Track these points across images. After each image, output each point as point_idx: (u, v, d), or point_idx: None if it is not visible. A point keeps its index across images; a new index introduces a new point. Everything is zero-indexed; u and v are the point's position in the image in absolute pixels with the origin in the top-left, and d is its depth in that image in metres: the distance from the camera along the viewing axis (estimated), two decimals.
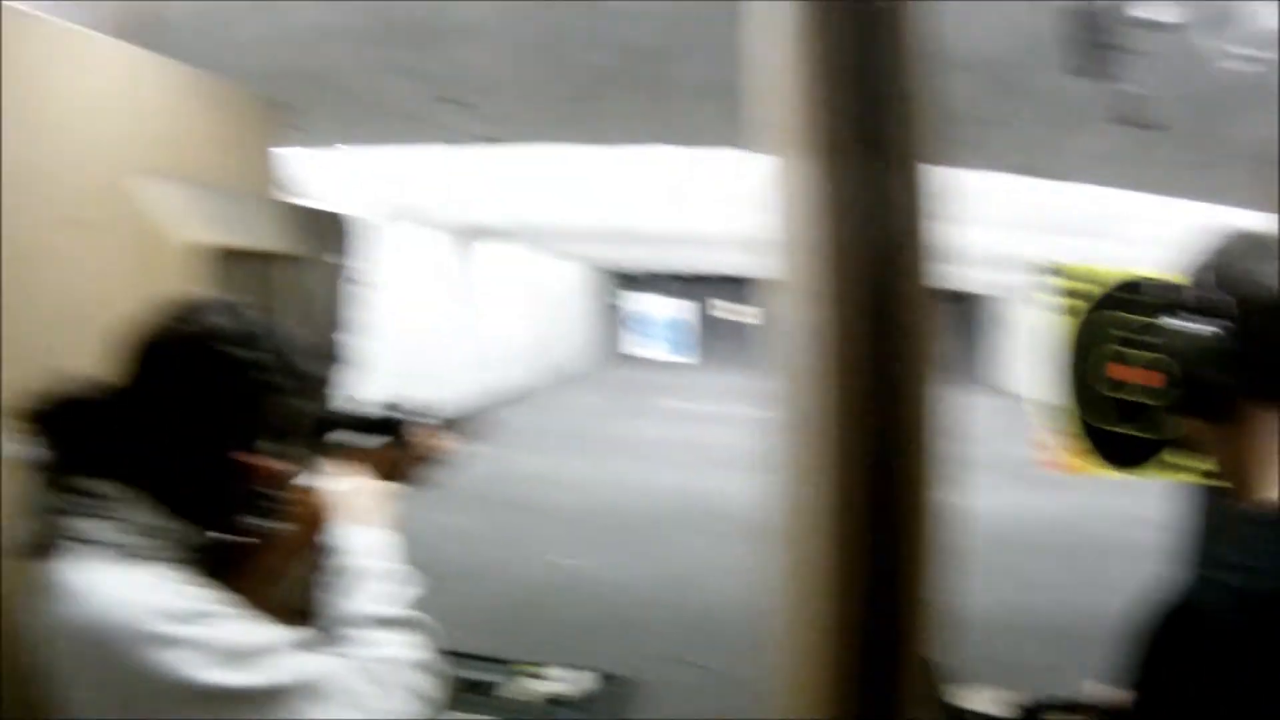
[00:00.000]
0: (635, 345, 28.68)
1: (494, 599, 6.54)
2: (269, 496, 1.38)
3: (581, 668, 2.68)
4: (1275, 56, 2.36)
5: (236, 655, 1.16)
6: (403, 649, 1.35)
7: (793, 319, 1.77)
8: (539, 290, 21.60)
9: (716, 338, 27.97)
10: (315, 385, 1.51)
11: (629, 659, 5.13)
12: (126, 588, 1.19)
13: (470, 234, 16.40)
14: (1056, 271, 4.09)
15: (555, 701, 2.51)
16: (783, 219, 1.90)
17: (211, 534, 1.39)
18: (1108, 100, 3.94)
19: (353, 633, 1.35)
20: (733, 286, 26.24)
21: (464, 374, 15.47)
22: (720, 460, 12.34)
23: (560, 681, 2.58)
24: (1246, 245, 1.20)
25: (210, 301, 1.43)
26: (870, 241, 0.99)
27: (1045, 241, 8.91)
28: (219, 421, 1.34)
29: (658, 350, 28.36)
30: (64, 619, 1.18)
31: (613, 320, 29.16)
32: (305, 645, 1.26)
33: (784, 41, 1.43)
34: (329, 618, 1.40)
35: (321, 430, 1.56)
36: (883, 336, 0.99)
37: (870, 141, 0.99)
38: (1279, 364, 1.16)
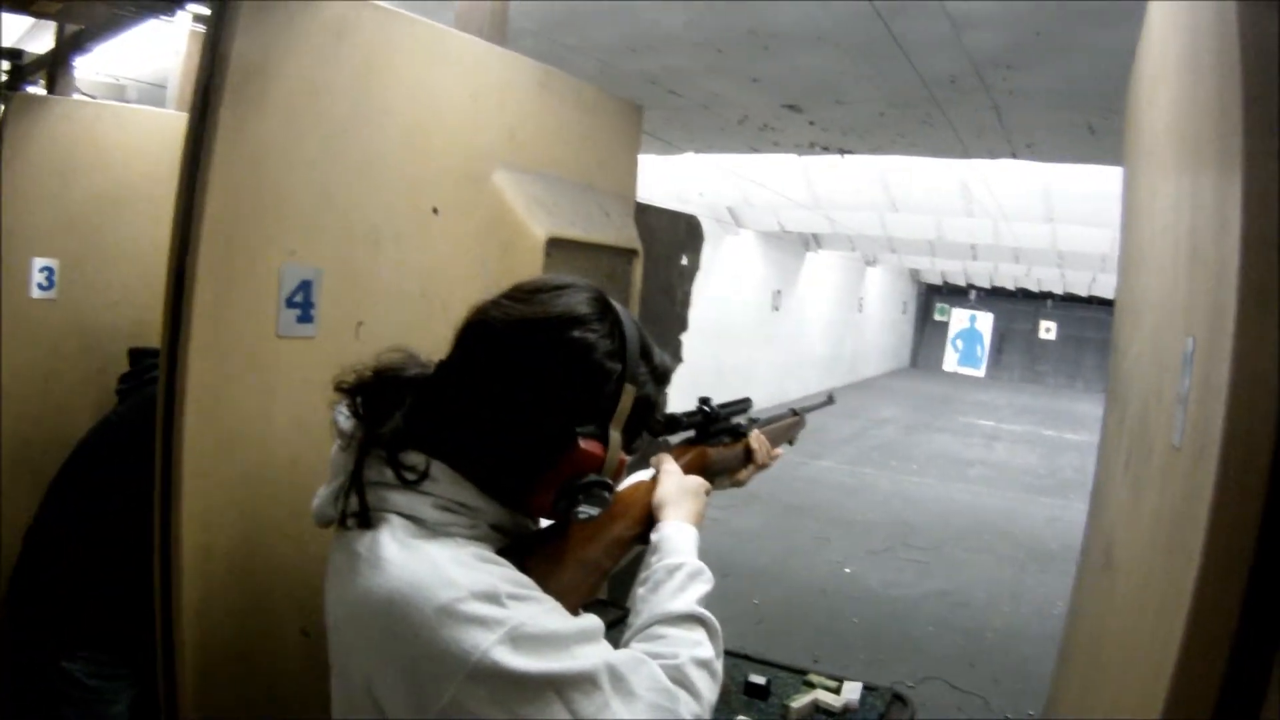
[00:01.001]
0: (937, 356, 27.85)
1: (772, 599, 6.54)
2: (593, 484, 1.35)
3: (851, 678, 2.62)
4: None
5: (535, 640, 1.13)
6: (700, 648, 1.31)
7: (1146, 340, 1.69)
8: (852, 298, 21.40)
9: (1013, 352, 26.97)
10: (660, 377, 1.47)
11: (899, 674, 5.13)
12: (435, 562, 1.19)
13: (795, 240, 16.48)
14: None
15: (823, 710, 2.46)
16: (1149, 235, 1.81)
17: (527, 517, 1.42)
18: None
19: (656, 629, 1.33)
20: (1033, 302, 25.29)
21: (770, 378, 15.57)
22: (1015, 481, 11.94)
23: (830, 691, 2.53)
24: None
25: (568, 284, 1.41)
26: None
27: None
28: (559, 404, 1.32)
29: (959, 363, 27.47)
30: (368, 586, 1.18)
31: (918, 330, 28.47)
32: (606, 636, 1.24)
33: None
34: (634, 610, 1.39)
35: (653, 423, 1.52)
36: None
37: None
38: None
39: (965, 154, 6.16)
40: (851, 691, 2.53)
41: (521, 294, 1.38)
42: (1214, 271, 1.06)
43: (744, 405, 1.92)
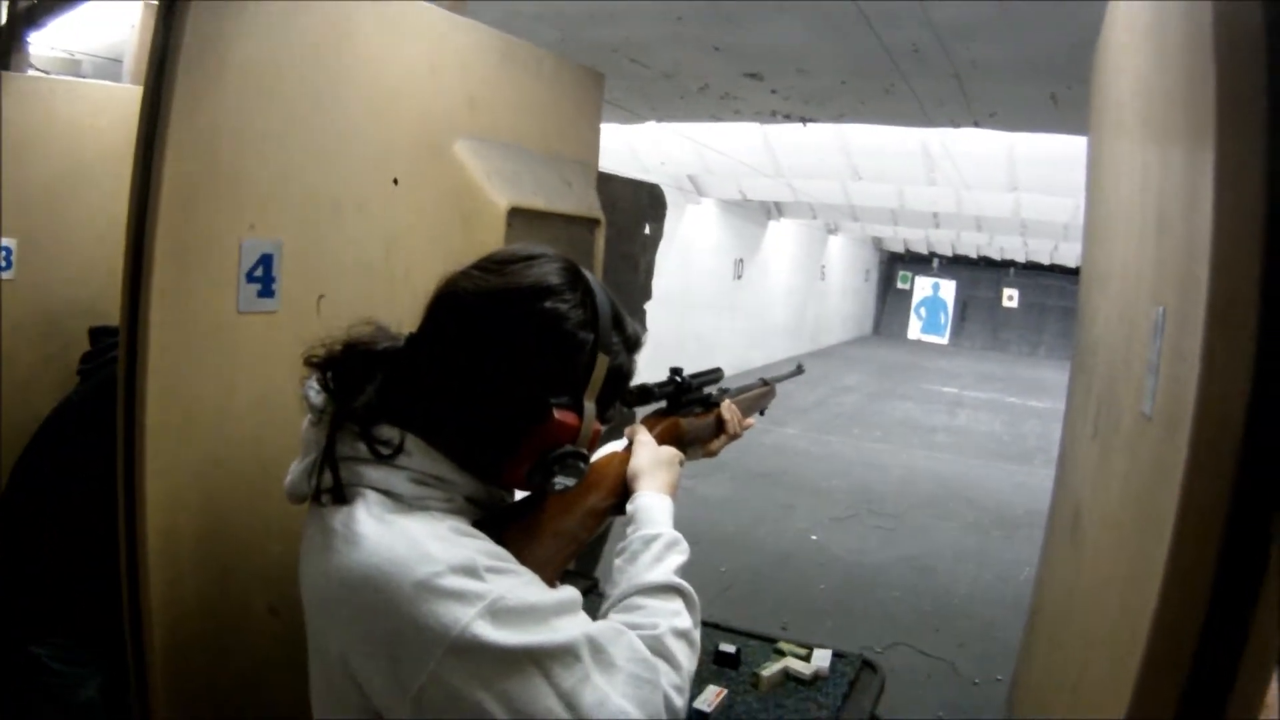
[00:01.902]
0: (900, 324, 28.04)
1: (739, 567, 6.59)
2: (567, 455, 1.34)
3: (819, 645, 2.63)
4: None
5: (514, 613, 1.12)
6: (679, 619, 1.30)
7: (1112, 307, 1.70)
8: (815, 266, 21.47)
9: (976, 320, 27.22)
10: (632, 346, 1.46)
11: (866, 640, 5.18)
12: (412, 536, 1.18)
13: (757, 209, 16.50)
14: None
15: (794, 678, 2.47)
16: (1114, 204, 1.82)
17: (503, 489, 1.40)
18: None
19: (635, 599, 1.32)
20: (996, 269, 25.56)
21: (733, 346, 15.62)
22: (979, 447, 12.06)
23: (800, 659, 2.55)
24: None
25: (539, 254, 1.39)
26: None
27: None
28: (532, 376, 1.31)
29: (923, 331, 27.67)
30: (344, 562, 1.17)
31: (880, 298, 28.63)
32: (584, 608, 1.23)
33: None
34: (611, 581, 1.39)
35: (626, 393, 1.53)
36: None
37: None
38: None
39: (927, 123, 6.17)
40: (821, 659, 2.54)
41: (492, 265, 1.36)
42: (1185, 240, 1.07)
43: (715, 375, 1.92)
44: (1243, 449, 0.93)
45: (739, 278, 16.48)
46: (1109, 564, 1.41)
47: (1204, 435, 0.94)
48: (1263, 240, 0.91)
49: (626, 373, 1.47)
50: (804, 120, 6.66)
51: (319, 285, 2.09)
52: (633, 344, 1.47)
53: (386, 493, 1.25)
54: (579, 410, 1.35)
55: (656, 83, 5.59)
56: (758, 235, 17.28)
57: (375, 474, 1.26)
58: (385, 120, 2.24)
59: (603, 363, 1.37)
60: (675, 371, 1.81)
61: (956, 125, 6.13)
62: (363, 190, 2.20)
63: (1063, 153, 7.46)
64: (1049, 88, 4.71)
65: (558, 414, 1.32)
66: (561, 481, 1.37)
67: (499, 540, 1.26)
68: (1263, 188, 0.91)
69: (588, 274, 1.41)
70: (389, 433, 1.28)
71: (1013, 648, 5.40)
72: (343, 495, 1.25)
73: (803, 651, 2.60)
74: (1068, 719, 1.53)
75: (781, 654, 2.58)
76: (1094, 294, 2.18)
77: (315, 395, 1.33)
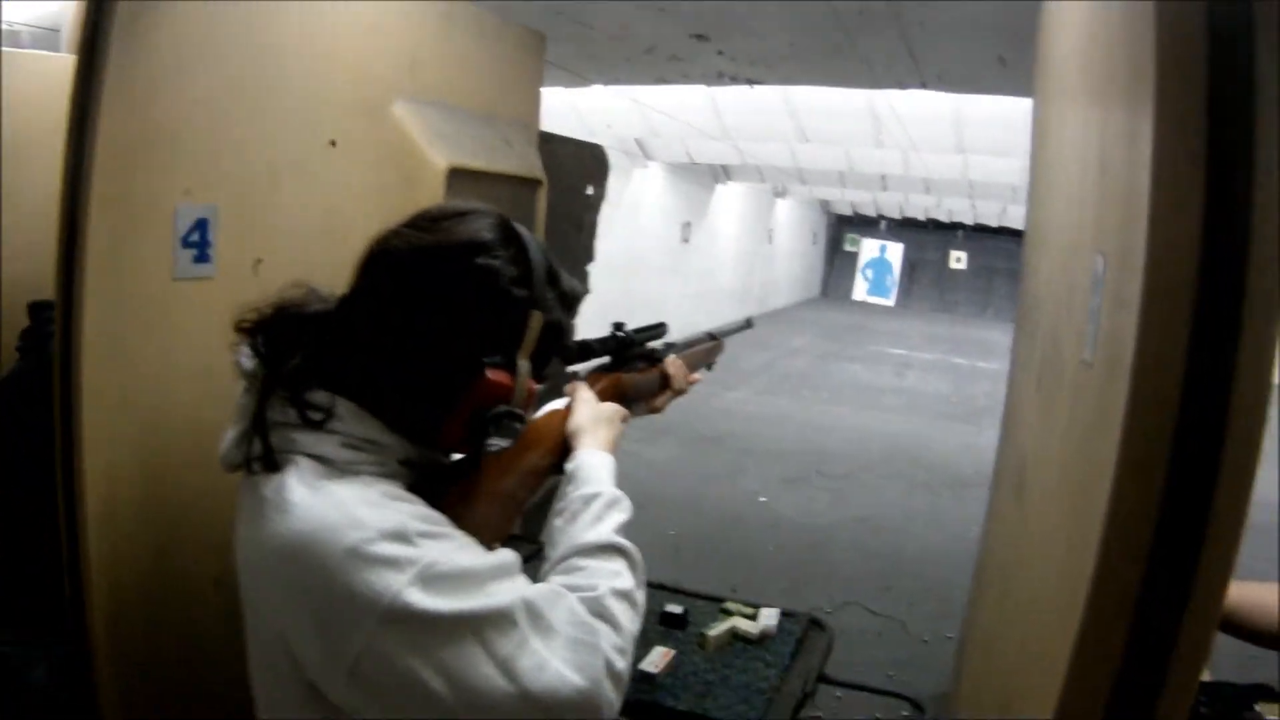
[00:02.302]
0: (847, 287, 28.21)
1: (688, 530, 6.60)
2: (502, 415, 1.33)
3: (768, 604, 2.64)
4: None
5: (447, 579, 1.11)
6: (620, 579, 1.28)
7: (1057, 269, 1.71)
8: (762, 229, 21.51)
9: (924, 282, 27.47)
10: (568, 302, 1.44)
11: (817, 600, 5.23)
12: (342, 502, 1.15)
13: (704, 172, 16.49)
14: None
15: (741, 638, 2.48)
16: (1057, 160, 1.83)
17: (435, 451, 1.38)
18: None
19: (574, 560, 1.30)
20: (943, 232, 25.83)
21: (680, 310, 15.61)
22: (928, 408, 12.19)
23: (747, 618, 2.56)
24: None
25: (471, 209, 1.36)
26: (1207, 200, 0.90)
27: None
28: (465, 334, 1.29)
29: (869, 293, 27.86)
30: (275, 531, 1.15)
31: (827, 261, 28.75)
32: (523, 571, 1.21)
33: None
34: (550, 542, 1.36)
35: (564, 349, 1.50)
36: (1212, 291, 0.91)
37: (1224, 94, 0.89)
38: None
39: (874, 84, 6.17)
40: (768, 618, 2.55)
41: (424, 222, 1.34)
42: (1125, 188, 1.07)
43: (659, 330, 1.90)
44: (1183, 391, 0.93)
45: (686, 241, 16.47)
46: (1054, 515, 1.42)
47: (1144, 377, 0.94)
48: (1203, 183, 0.91)
49: (562, 329, 1.44)
50: (751, 82, 6.64)
51: (256, 250, 2.06)
52: (569, 300, 1.45)
53: (318, 458, 1.22)
54: (513, 368, 1.33)
55: (602, 45, 5.54)
56: (705, 199, 17.27)
57: (306, 439, 1.23)
58: (323, 81, 2.21)
59: (537, 319, 1.35)
60: (617, 326, 1.79)
61: (904, 87, 6.13)
62: (300, 153, 2.17)
63: (1010, 115, 7.50)
64: (996, 49, 4.71)
65: (491, 373, 1.30)
66: (497, 442, 1.35)
67: (435, 504, 1.25)
68: (1203, 129, 0.91)
69: (521, 229, 1.39)
70: (320, 397, 1.25)
71: (962, 605, 5.49)
72: (274, 463, 1.22)
73: (749, 611, 2.60)
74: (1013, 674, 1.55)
75: (728, 614, 2.58)
76: (1037, 250, 2.19)
77: (247, 361, 1.30)
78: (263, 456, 1.23)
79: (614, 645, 1.19)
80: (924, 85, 5.97)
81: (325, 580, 1.09)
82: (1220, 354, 0.92)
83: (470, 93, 2.78)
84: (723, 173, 16.81)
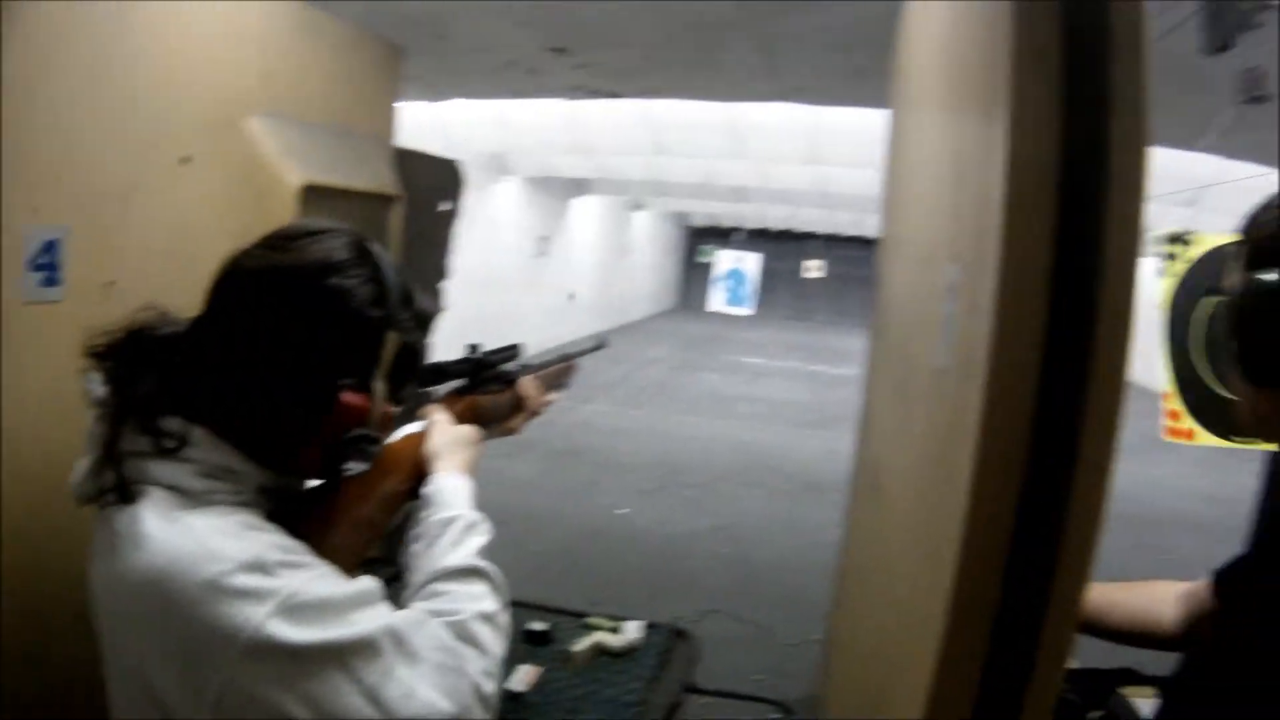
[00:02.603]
0: (704, 298, 28.61)
1: (549, 546, 6.58)
2: (360, 439, 1.30)
3: (631, 617, 2.61)
4: None
5: (309, 609, 1.08)
6: (483, 602, 1.28)
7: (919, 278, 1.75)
8: (616, 241, 21.65)
9: (779, 292, 28.04)
10: (425, 324, 1.41)
11: (681, 610, 5.25)
12: (198, 534, 1.12)
13: (562, 186, 16.51)
14: (1167, 238, 4.07)
15: (607, 652, 2.47)
16: (911, 169, 1.87)
17: (292, 478, 1.35)
18: (1232, 75, 3.86)
19: (436, 585, 1.29)
20: (799, 242, 26.46)
21: (538, 324, 15.60)
22: (785, 415, 12.41)
23: (610, 632, 2.55)
24: None
25: (324, 229, 1.33)
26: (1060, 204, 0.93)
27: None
28: (319, 356, 1.25)
29: (727, 303, 28.29)
30: (130, 566, 1.11)
31: (684, 273, 29.11)
32: (385, 598, 1.19)
33: None
34: (410, 568, 1.35)
35: (418, 372, 1.47)
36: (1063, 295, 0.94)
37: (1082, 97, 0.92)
38: None
39: (734, 97, 6.27)
40: (632, 630, 2.54)
41: (276, 241, 1.30)
42: (978, 196, 1.10)
43: (513, 351, 1.89)
44: (1038, 395, 0.96)
45: (543, 255, 16.47)
46: (911, 517, 1.45)
47: (1000, 377, 0.97)
48: (1055, 190, 0.94)
49: (418, 350, 1.42)
50: (610, 95, 6.68)
51: (107, 272, 1.96)
52: (424, 320, 1.42)
53: (173, 488, 1.18)
54: (368, 391, 1.30)
55: (462, 58, 5.51)
56: (562, 212, 17.32)
57: (160, 469, 1.18)
58: (177, 94, 2.12)
59: (392, 340, 1.32)
60: (472, 348, 1.78)
61: (763, 99, 6.24)
62: (152, 170, 2.08)
63: (866, 126, 7.69)
64: (855, 61, 4.83)
65: (347, 396, 1.27)
66: (354, 466, 1.32)
67: (294, 532, 1.22)
68: (1058, 134, 0.94)
69: (376, 248, 1.35)
70: (173, 424, 1.20)
71: (825, 609, 5.59)
72: (129, 494, 1.17)
73: (613, 625, 2.59)
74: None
75: (592, 629, 2.57)
76: (891, 259, 2.25)
77: (98, 388, 1.24)
78: (116, 488, 1.17)
79: (480, 669, 1.19)
80: (783, 98, 6.09)
81: (184, 615, 1.06)
82: (1075, 355, 0.95)
83: (325, 106, 2.72)
84: (580, 186, 16.87)
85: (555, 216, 16.95)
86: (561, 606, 2.74)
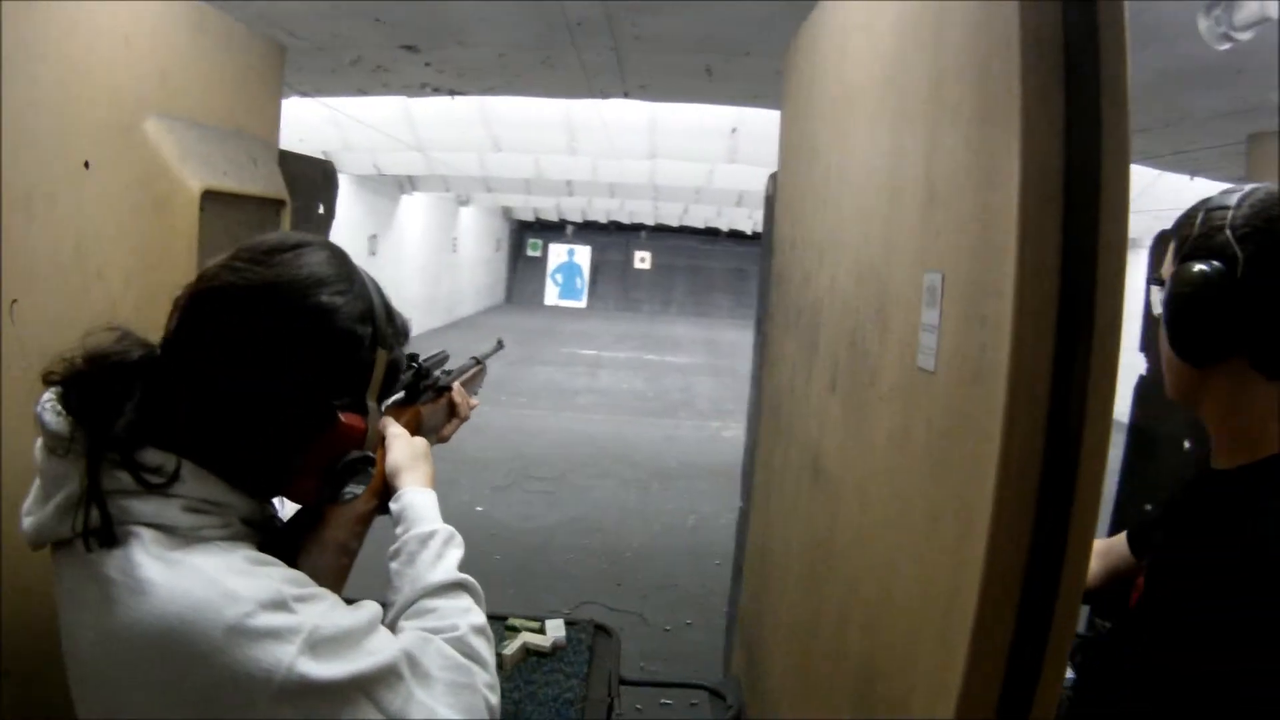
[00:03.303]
0: (534, 292, 28.68)
1: None
2: (357, 461, 1.27)
3: (510, 614, 2.66)
4: (1250, 37, 2.52)
5: (332, 642, 1.06)
6: (473, 615, 1.28)
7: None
8: (446, 238, 21.46)
9: (608, 283, 28.43)
10: (403, 338, 1.40)
11: (553, 604, 5.31)
12: (208, 575, 1.06)
13: (391, 183, 16.29)
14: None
15: (535, 653, 2.50)
16: (838, 176, 1.98)
17: (293, 500, 1.33)
18: None
19: (425, 603, 1.28)
20: (626, 233, 26.88)
21: None
22: (625, 405, 12.58)
23: (535, 632, 2.58)
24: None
25: (305, 241, 1.27)
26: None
27: None
28: (313, 377, 1.21)
29: (560, 296, 28.43)
30: (135, 617, 1.04)
31: (513, 267, 29.05)
32: (387, 623, 1.20)
33: None
34: (391, 586, 1.33)
35: (394, 386, 1.46)
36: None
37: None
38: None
39: (578, 95, 6.29)
40: (555, 629, 2.58)
41: (257, 256, 1.21)
42: (974, 214, 1.21)
43: (443, 358, 1.90)
44: (1050, 400, 1.07)
45: (373, 254, 16.20)
46: (882, 506, 1.56)
47: (1019, 388, 1.07)
48: (1061, 215, 1.05)
49: (401, 366, 1.41)
50: (453, 93, 6.63)
51: (10, 289, 1.87)
52: (404, 335, 1.41)
53: (160, 527, 1.10)
54: (363, 410, 1.28)
55: (308, 56, 5.39)
56: (391, 209, 17.05)
57: (144, 507, 1.11)
58: (77, 96, 2.04)
59: (382, 357, 1.30)
60: (411, 358, 1.73)
61: (607, 96, 6.29)
62: (54, 176, 1.99)
63: (700, 121, 7.86)
64: (705, 60, 4.93)
65: (345, 417, 1.24)
66: (352, 490, 1.30)
67: (291, 563, 1.19)
68: (1061, 166, 1.05)
69: (355, 263, 1.32)
70: (159, 458, 1.13)
71: (695, 593, 5.78)
72: (113, 536, 1.09)
73: (535, 625, 2.62)
74: (864, 658, 1.67)
75: (516, 630, 2.60)
76: (804, 259, 2.35)
77: (55, 420, 1.13)
78: (100, 531, 1.09)
79: (486, 683, 1.21)
80: (626, 95, 6.15)
81: (206, 663, 1.02)
82: (1076, 361, 1.07)
83: (219, 108, 2.66)
84: (408, 183, 16.65)
85: (384, 215, 16.69)
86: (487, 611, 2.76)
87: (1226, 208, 1.29)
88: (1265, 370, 1.27)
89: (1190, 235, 1.32)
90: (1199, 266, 1.27)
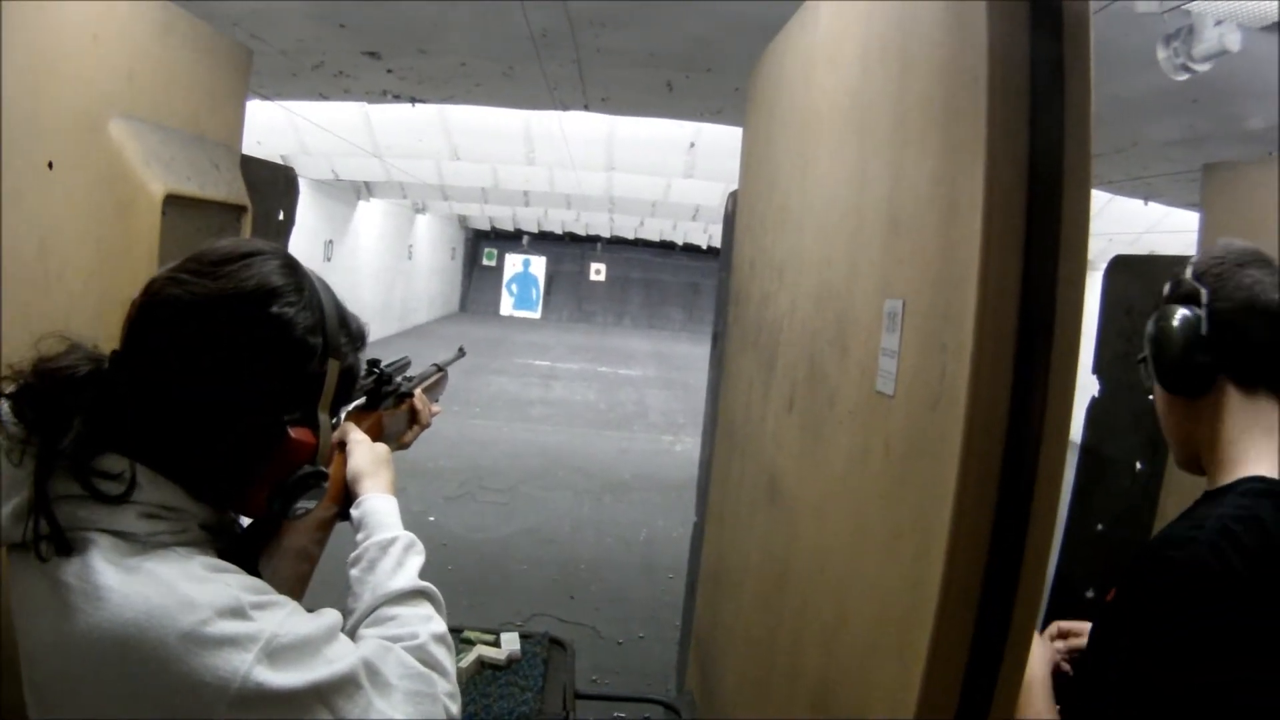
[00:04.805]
0: (488, 301, 28.62)
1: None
2: (308, 476, 1.25)
3: (468, 626, 2.67)
4: (1208, 69, 2.58)
5: (290, 650, 1.05)
6: (434, 623, 1.27)
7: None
8: (402, 245, 21.39)
9: (562, 294, 28.47)
10: (359, 344, 1.38)
11: (505, 615, 5.31)
12: (165, 582, 1.05)
13: (347, 189, 16.22)
14: None
15: (490, 666, 2.51)
16: (798, 199, 2.00)
17: (244, 513, 1.30)
18: None
19: (385, 610, 1.27)
20: (581, 245, 26.99)
21: None
22: (579, 417, 12.58)
23: (490, 645, 2.59)
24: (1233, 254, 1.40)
25: (256, 250, 1.24)
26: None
27: None
28: (261, 392, 1.19)
29: (515, 307, 28.39)
30: (92, 624, 1.03)
31: (468, 276, 28.99)
32: (347, 630, 1.19)
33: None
34: (351, 592, 1.32)
35: (351, 393, 1.42)
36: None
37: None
38: (1249, 347, 1.36)
39: (539, 105, 6.31)
40: (510, 642, 2.59)
41: (205, 266, 1.19)
42: (937, 244, 1.23)
43: (405, 364, 1.89)
44: (1008, 424, 1.10)
45: (329, 260, 16.12)
46: (839, 527, 1.59)
47: (978, 413, 1.10)
48: (1022, 247, 1.08)
49: (355, 374, 1.39)
50: (413, 100, 6.62)
51: None
52: (359, 341, 1.40)
53: (117, 533, 1.09)
54: (314, 424, 1.26)
55: (271, 59, 5.37)
56: (347, 215, 16.98)
57: (99, 514, 1.09)
58: (43, 93, 2.02)
59: (334, 368, 1.28)
60: (373, 364, 1.73)
61: (567, 108, 6.31)
62: (18, 175, 1.98)
63: (658, 135, 7.90)
64: (666, 75, 4.96)
65: (294, 432, 1.22)
66: (304, 505, 1.28)
67: (251, 570, 1.18)
68: (1024, 201, 1.08)
69: (307, 270, 1.30)
70: (116, 464, 1.12)
71: (647, 606, 5.79)
72: (67, 544, 1.07)
73: (490, 638, 2.63)
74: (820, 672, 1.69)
75: (470, 643, 2.60)
76: (763, 279, 2.37)
77: (11, 426, 1.13)
78: (51, 538, 1.07)
79: (446, 691, 1.20)
80: (587, 107, 6.18)
81: (161, 670, 1.01)
82: (1034, 388, 1.10)
83: (183, 110, 2.63)
84: (365, 189, 16.59)
85: (340, 220, 16.61)
86: None
87: (1185, 266, 1.43)
88: (1247, 382, 1.37)
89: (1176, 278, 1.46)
90: (1173, 307, 1.40)
